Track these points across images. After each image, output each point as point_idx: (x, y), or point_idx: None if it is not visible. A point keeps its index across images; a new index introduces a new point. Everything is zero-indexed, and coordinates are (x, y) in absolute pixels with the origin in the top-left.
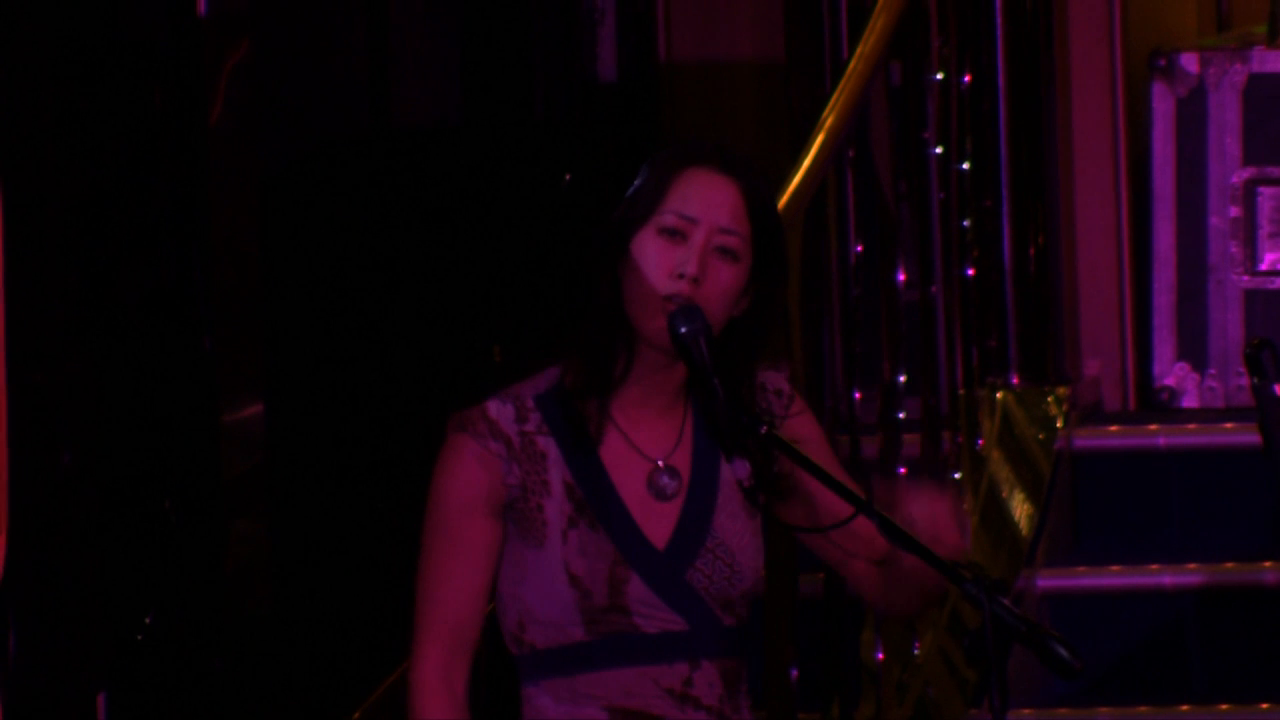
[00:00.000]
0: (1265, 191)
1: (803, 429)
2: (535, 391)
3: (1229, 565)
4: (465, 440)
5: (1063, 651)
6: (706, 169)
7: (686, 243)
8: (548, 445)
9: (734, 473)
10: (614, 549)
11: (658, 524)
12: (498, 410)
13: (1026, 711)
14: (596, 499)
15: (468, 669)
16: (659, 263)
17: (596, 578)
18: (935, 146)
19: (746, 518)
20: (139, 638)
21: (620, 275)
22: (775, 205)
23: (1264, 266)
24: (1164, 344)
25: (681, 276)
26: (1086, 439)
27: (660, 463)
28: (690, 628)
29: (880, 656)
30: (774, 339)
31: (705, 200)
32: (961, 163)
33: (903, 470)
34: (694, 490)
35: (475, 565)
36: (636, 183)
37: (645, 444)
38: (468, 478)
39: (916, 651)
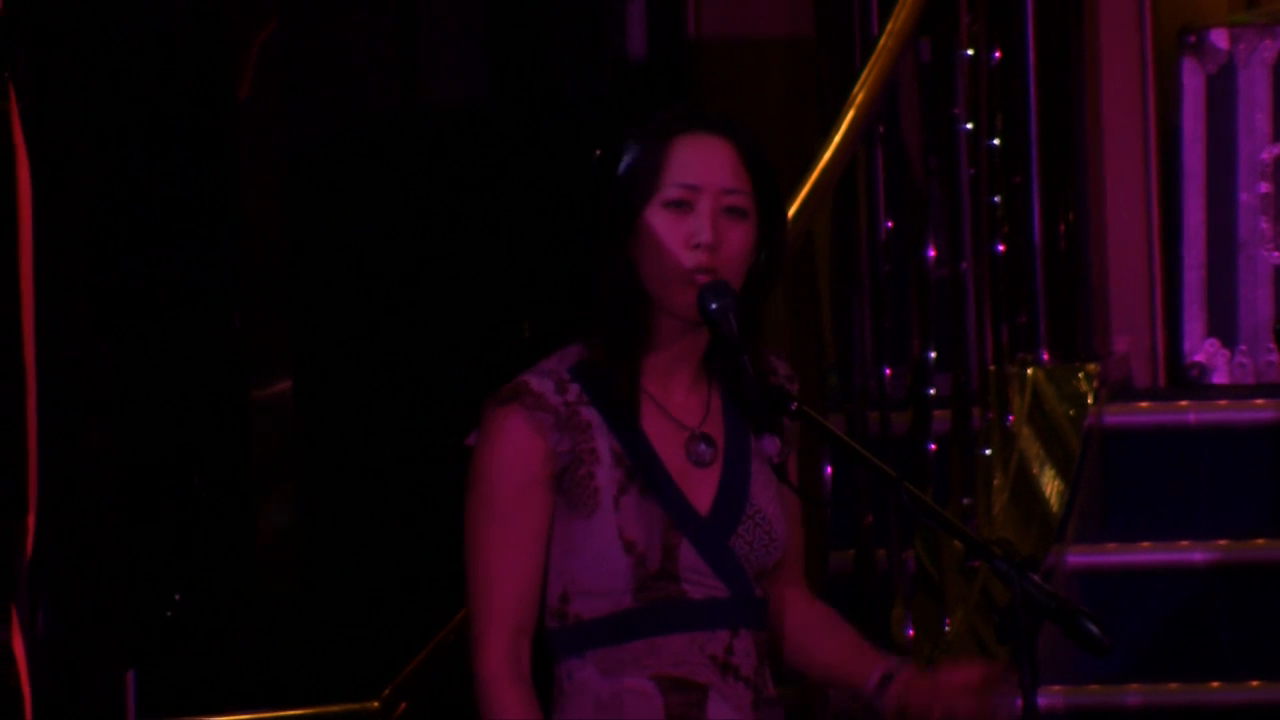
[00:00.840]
0: None
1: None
2: (567, 365)
3: (1259, 542)
4: (514, 411)
5: (1092, 628)
6: (696, 134)
7: (694, 211)
8: (591, 415)
9: (764, 449)
10: (665, 515)
11: (700, 491)
12: (539, 383)
13: (1056, 688)
14: (644, 466)
15: (530, 649)
16: (673, 236)
17: (652, 543)
18: (965, 123)
19: (775, 489)
20: (168, 615)
21: (633, 254)
22: (766, 153)
23: None
24: (1194, 320)
25: (698, 246)
26: (1116, 415)
27: (695, 430)
28: (731, 594)
29: (910, 633)
30: (805, 314)
31: (705, 165)
32: (991, 139)
33: (933, 446)
34: (729, 458)
35: (534, 540)
36: (626, 159)
37: (678, 412)
38: (521, 448)
39: (947, 629)
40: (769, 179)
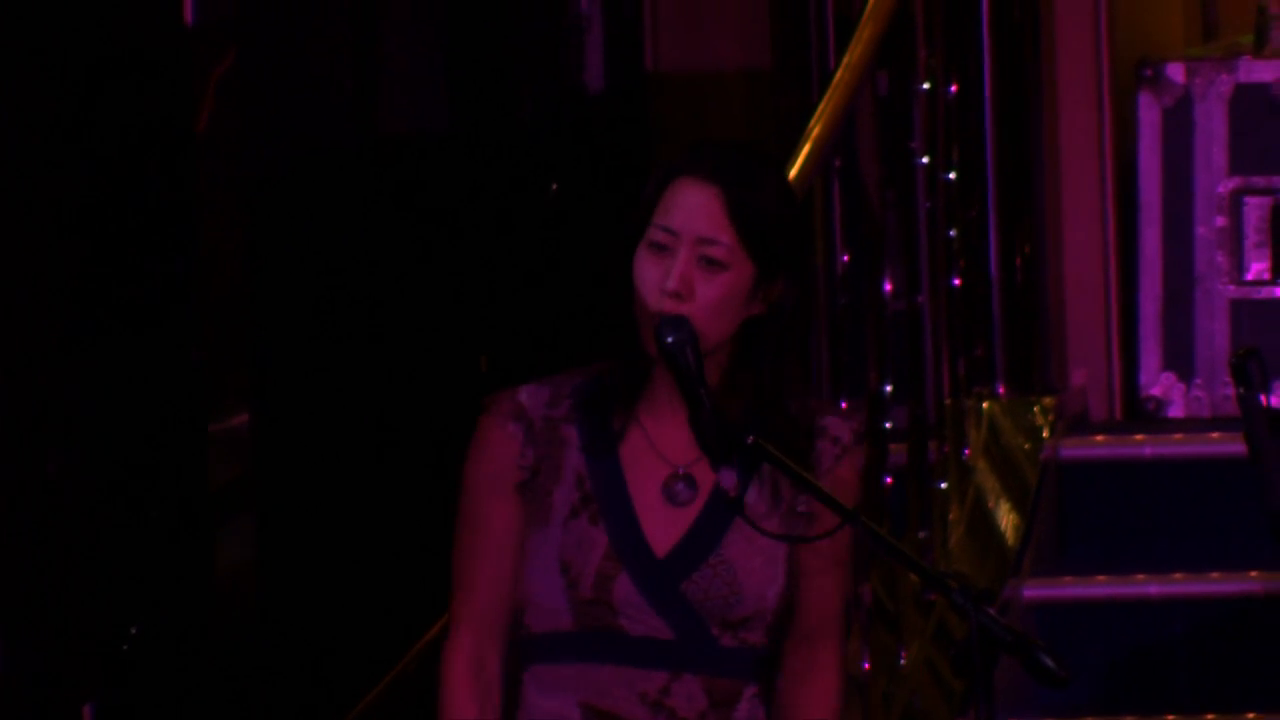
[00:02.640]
0: (1251, 201)
1: (841, 487)
2: (575, 381)
3: (1215, 575)
4: (486, 422)
5: (1049, 661)
6: (691, 178)
7: (673, 256)
8: (570, 433)
9: (720, 481)
10: (607, 545)
11: (665, 530)
12: (530, 394)
13: None
14: (604, 494)
15: (501, 649)
16: (649, 278)
17: (586, 571)
18: (922, 156)
19: (765, 544)
20: (126, 647)
21: (632, 287)
22: (771, 204)
23: (1250, 276)
24: (1150, 354)
25: (665, 292)
26: (1073, 449)
27: (680, 469)
28: (676, 638)
29: (866, 666)
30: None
31: (685, 212)
32: (948, 172)
33: (889, 479)
34: (711, 503)
35: (498, 546)
36: (645, 189)
37: (668, 449)
38: (490, 455)
39: (903, 662)
40: (763, 228)
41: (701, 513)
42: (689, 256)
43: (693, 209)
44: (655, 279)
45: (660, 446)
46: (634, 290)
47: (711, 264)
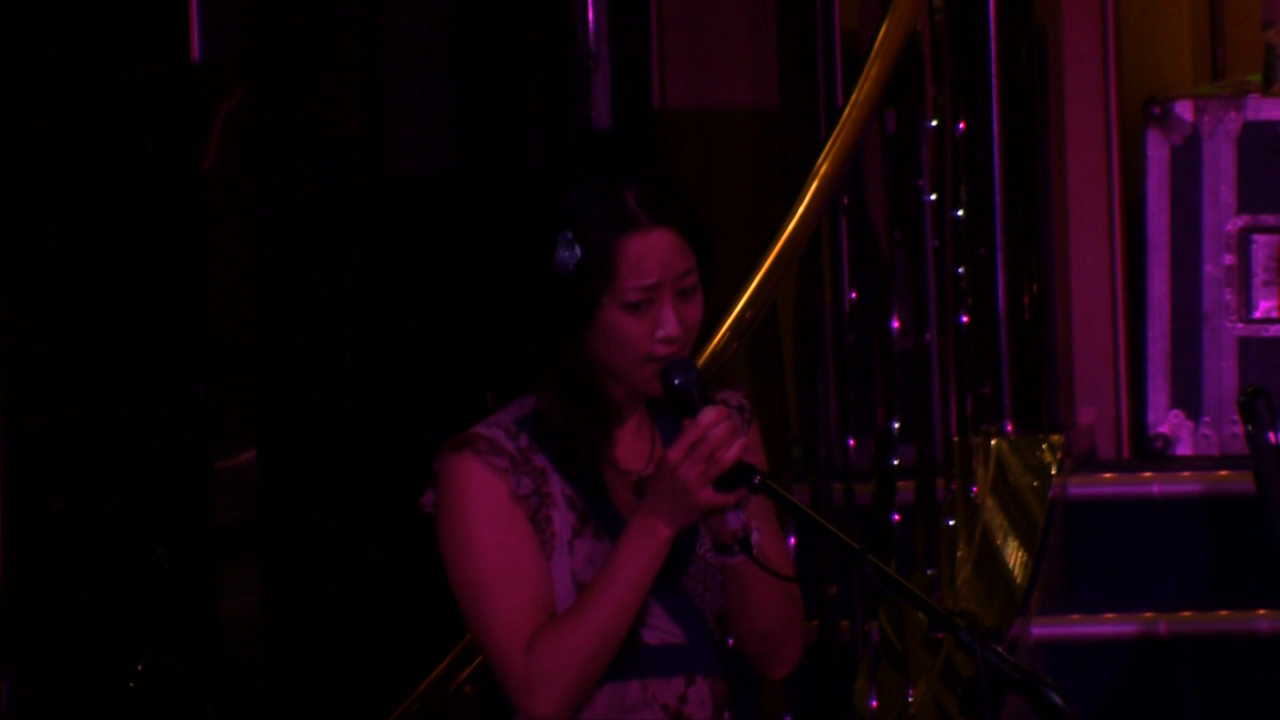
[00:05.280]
0: (1259, 239)
1: (755, 448)
2: (515, 416)
3: (1223, 613)
4: (468, 457)
5: (1057, 699)
6: (641, 233)
7: (656, 305)
8: (542, 461)
9: (728, 523)
10: None
11: None
12: (488, 431)
13: None
14: (597, 510)
15: None
16: (633, 333)
17: None
18: (930, 194)
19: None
20: (131, 685)
21: (591, 342)
22: (696, 210)
23: (1258, 314)
24: (1158, 392)
25: (666, 340)
26: (1081, 487)
27: (640, 475)
28: (687, 640)
29: (874, 704)
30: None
31: (657, 263)
32: (956, 210)
33: (897, 517)
34: None
35: (534, 557)
36: (569, 255)
37: (624, 458)
38: (485, 487)
39: (910, 700)
40: (705, 237)
41: None
42: (673, 295)
43: (663, 256)
44: (641, 332)
45: (617, 457)
46: (599, 345)
47: (688, 289)
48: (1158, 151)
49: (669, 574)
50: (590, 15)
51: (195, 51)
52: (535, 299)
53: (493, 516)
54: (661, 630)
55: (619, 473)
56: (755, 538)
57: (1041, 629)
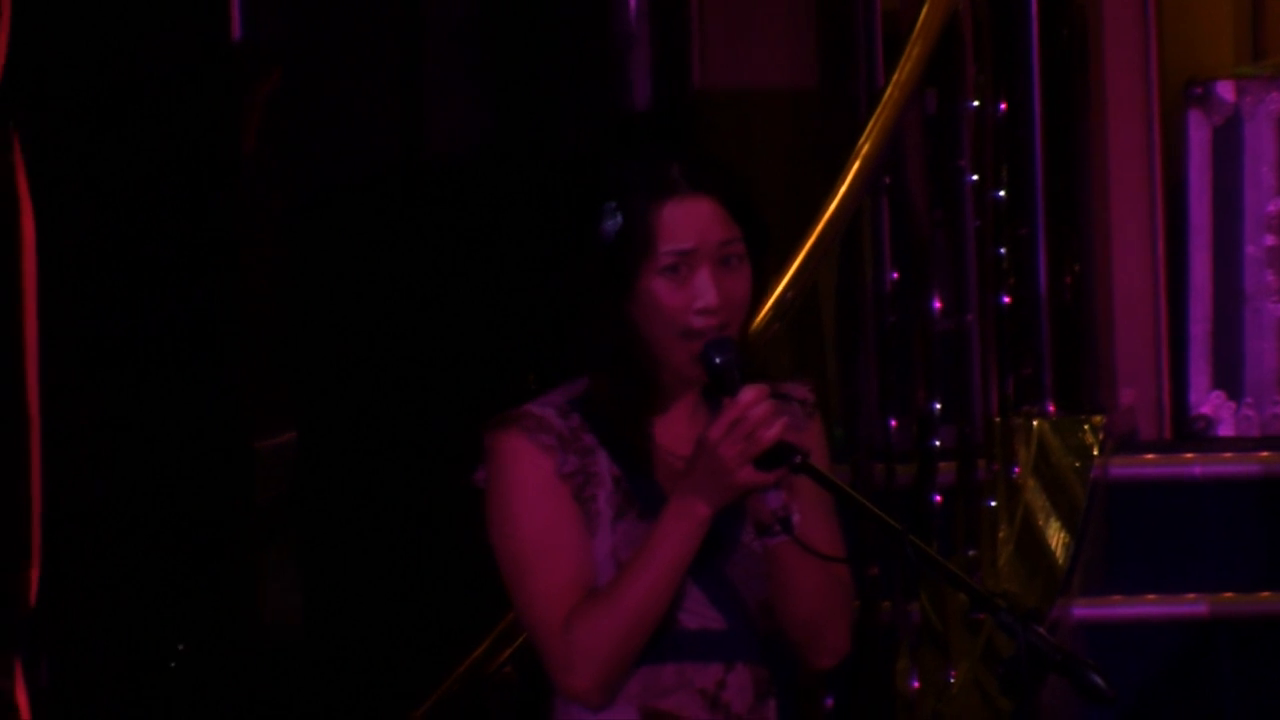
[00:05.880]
0: None
1: (817, 441)
2: (568, 396)
3: (1264, 595)
4: (515, 434)
5: (1097, 680)
6: (680, 198)
7: (695, 273)
8: (592, 441)
9: (768, 503)
10: None
11: None
12: (539, 409)
13: None
14: (643, 493)
15: None
16: (675, 303)
17: None
18: (971, 174)
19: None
20: (171, 667)
21: (632, 314)
22: (744, 183)
23: None
24: (1199, 373)
25: (705, 311)
26: (1122, 468)
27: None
28: (727, 626)
29: (915, 685)
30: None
31: (696, 227)
32: (997, 191)
33: (938, 498)
34: None
35: (577, 534)
36: (610, 224)
37: (675, 444)
38: (535, 464)
39: (951, 681)
40: (752, 212)
41: None
42: (714, 264)
43: (702, 222)
44: (679, 303)
45: (666, 440)
46: (642, 318)
47: (735, 264)
48: (1199, 132)
49: (711, 560)
50: None
51: (235, 32)
52: (577, 274)
53: (536, 493)
54: (700, 615)
55: (670, 458)
56: (796, 518)
57: (1082, 610)
